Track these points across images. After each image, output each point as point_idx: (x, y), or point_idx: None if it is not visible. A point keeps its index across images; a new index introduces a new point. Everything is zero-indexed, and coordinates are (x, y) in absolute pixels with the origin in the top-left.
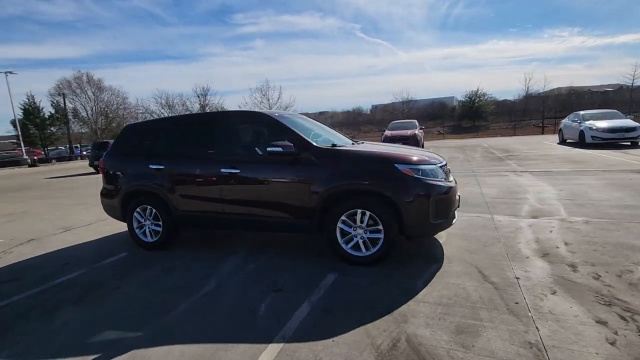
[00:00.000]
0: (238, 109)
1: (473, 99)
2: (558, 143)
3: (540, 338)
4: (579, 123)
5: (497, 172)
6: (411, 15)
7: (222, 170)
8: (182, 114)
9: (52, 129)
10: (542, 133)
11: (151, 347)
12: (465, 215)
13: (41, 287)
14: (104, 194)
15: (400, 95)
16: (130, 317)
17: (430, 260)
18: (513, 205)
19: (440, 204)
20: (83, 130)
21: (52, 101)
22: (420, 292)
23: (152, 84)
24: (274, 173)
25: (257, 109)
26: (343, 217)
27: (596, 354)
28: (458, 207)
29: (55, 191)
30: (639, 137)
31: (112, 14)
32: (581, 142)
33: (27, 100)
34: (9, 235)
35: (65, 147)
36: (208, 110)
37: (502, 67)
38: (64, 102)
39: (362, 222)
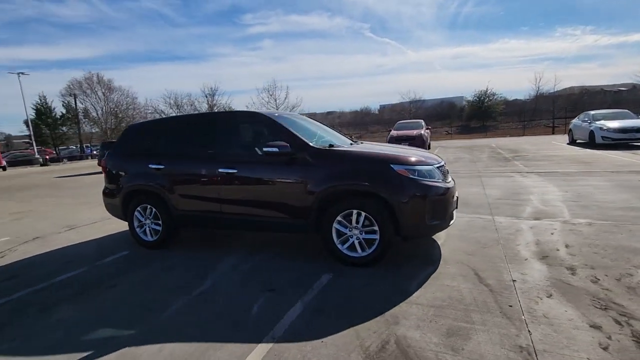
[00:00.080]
0: (245, 108)
1: (482, 98)
2: (568, 143)
3: (532, 342)
4: (589, 123)
5: (502, 173)
6: (420, 14)
7: (220, 170)
8: (186, 114)
9: (63, 128)
10: (553, 133)
11: (143, 345)
12: (466, 217)
13: (42, 285)
14: (106, 193)
15: (407, 95)
16: (125, 315)
17: (426, 261)
18: (516, 206)
19: (437, 205)
20: (93, 130)
21: (63, 101)
22: (414, 294)
23: (161, 84)
24: (270, 173)
25: (264, 109)
26: (339, 218)
27: (587, 358)
28: (456, 208)
29: (63, 190)
30: None
31: (123, 15)
32: (591, 142)
33: (39, 101)
34: (15, 233)
35: (76, 146)
36: (216, 110)
37: (513, 66)
38: (75, 103)
39: (357, 222)
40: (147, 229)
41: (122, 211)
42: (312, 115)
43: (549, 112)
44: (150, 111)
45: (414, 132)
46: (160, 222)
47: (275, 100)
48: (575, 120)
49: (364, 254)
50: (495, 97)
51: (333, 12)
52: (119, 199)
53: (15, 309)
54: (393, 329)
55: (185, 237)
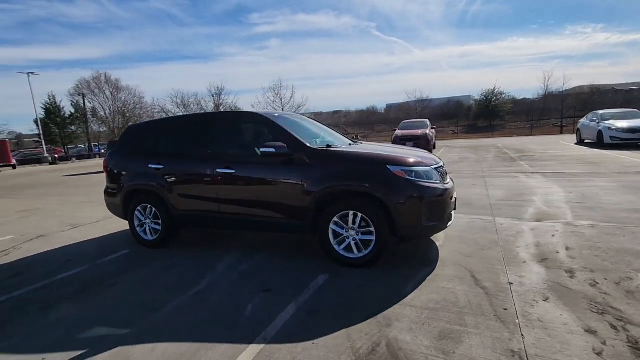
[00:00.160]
0: (251, 108)
1: (490, 97)
2: (575, 143)
3: (524, 346)
4: (598, 123)
5: (507, 173)
6: (428, 12)
7: (218, 170)
8: (186, 114)
9: (72, 127)
10: (561, 133)
11: (136, 345)
12: (466, 218)
13: (43, 283)
14: (107, 192)
15: (413, 94)
16: (122, 314)
17: (423, 263)
18: (518, 207)
19: (434, 207)
20: (102, 129)
21: (72, 101)
22: (409, 296)
23: (169, 83)
24: (268, 174)
25: (270, 108)
26: (335, 219)
27: None
28: (454, 209)
29: (70, 188)
30: None
31: (131, 15)
32: (599, 142)
33: (48, 100)
34: (20, 232)
35: (84, 145)
36: (222, 110)
37: (521, 64)
38: (84, 102)
39: (354, 223)
40: (147, 229)
41: (122, 210)
42: (319, 115)
43: (557, 111)
44: (157, 110)
45: (419, 131)
46: (160, 221)
47: (281, 100)
48: (583, 120)
49: (361, 255)
50: (503, 96)
51: (340, 11)
52: (120, 198)
53: (16, 307)
54: (385, 331)
55: (186, 237)
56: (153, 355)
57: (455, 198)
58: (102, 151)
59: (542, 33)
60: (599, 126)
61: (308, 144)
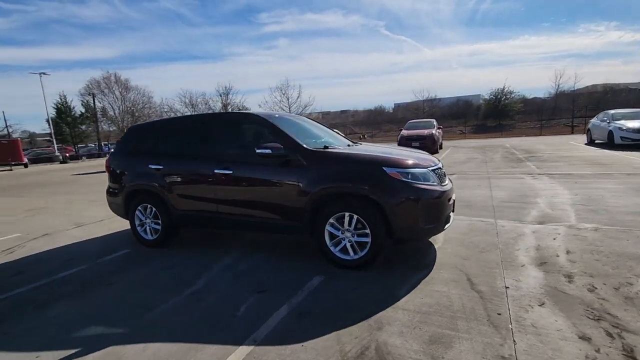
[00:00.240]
0: (258, 107)
1: (499, 97)
2: (585, 144)
3: (515, 352)
4: (608, 123)
5: (513, 174)
6: (437, 11)
7: (216, 170)
8: (186, 114)
9: (82, 127)
10: (572, 133)
11: (128, 344)
12: (467, 220)
13: (43, 281)
14: (109, 192)
15: (421, 93)
16: (117, 313)
17: (419, 265)
18: (521, 209)
19: (431, 209)
20: (111, 129)
21: (82, 100)
22: (402, 299)
23: (177, 83)
24: (264, 174)
25: (277, 108)
26: (331, 220)
27: None
28: (453, 211)
29: (78, 187)
30: None
31: (141, 16)
32: (610, 143)
33: (59, 100)
34: (26, 230)
35: (94, 144)
36: (230, 109)
37: (533, 63)
38: (94, 102)
39: (349, 225)
40: (148, 228)
41: (124, 210)
42: (326, 114)
43: (569, 111)
44: (165, 110)
45: (425, 131)
46: (159, 221)
47: (288, 99)
48: (593, 120)
49: (356, 256)
50: (513, 95)
51: (348, 10)
52: (121, 197)
53: (16, 305)
54: (375, 335)
55: (187, 237)
56: (144, 355)
57: (454, 200)
58: (112, 150)
59: (554, 31)
60: (609, 126)
61: (305, 145)
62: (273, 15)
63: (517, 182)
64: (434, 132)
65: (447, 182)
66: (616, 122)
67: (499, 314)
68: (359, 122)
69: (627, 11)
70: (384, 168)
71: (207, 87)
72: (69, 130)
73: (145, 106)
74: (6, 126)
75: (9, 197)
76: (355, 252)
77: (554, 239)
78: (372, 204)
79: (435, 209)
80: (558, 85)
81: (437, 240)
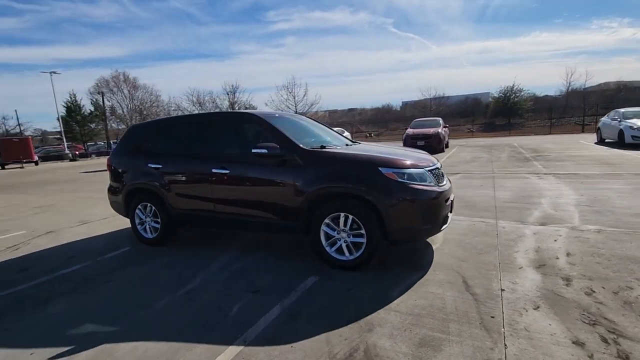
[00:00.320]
0: (265, 106)
1: (508, 95)
2: (595, 143)
3: (505, 356)
4: (619, 121)
5: (518, 174)
6: (446, 7)
7: (213, 170)
8: (185, 114)
9: (91, 125)
10: (583, 131)
11: (121, 343)
12: (467, 220)
13: (44, 278)
14: (111, 190)
15: (428, 91)
16: (113, 311)
17: (416, 266)
18: (524, 210)
19: (427, 210)
20: (120, 127)
21: (91, 99)
22: (395, 301)
23: (185, 81)
24: (261, 174)
25: (283, 106)
26: (327, 220)
27: None
28: (451, 211)
29: (85, 185)
30: None
31: (150, 15)
32: (620, 142)
33: (69, 98)
34: (31, 227)
35: (103, 142)
36: (237, 108)
37: (544, 60)
38: (103, 100)
39: (345, 225)
40: (147, 227)
41: (124, 208)
42: (334, 112)
43: (580, 109)
44: (173, 108)
45: (431, 130)
46: (158, 220)
47: (294, 98)
48: (604, 119)
49: (352, 257)
50: (523, 93)
51: (356, 8)
52: (122, 196)
53: (16, 301)
54: (365, 337)
55: (188, 236)
56: (135, 353)
57: (452, 200)
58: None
59: (567, 27)
60: (620, 125)
61: (301, 145)
62: (281, 14)
63: (522, 182)
64: (439, 130)
65: (445, 182)
66: (627, 120)
67: (492, 317)
68: (365, 121)
69: None
70: (379, 168)
71: (214, 86)
72: (79, 129)
73: (153, 105)
74: (18, 124)
75: (18, 195)
76: (350, 253)
77: (555, 240)
78: (367, 205)
79: (431, 210)
80: (569, 83)
81: (436, 240)
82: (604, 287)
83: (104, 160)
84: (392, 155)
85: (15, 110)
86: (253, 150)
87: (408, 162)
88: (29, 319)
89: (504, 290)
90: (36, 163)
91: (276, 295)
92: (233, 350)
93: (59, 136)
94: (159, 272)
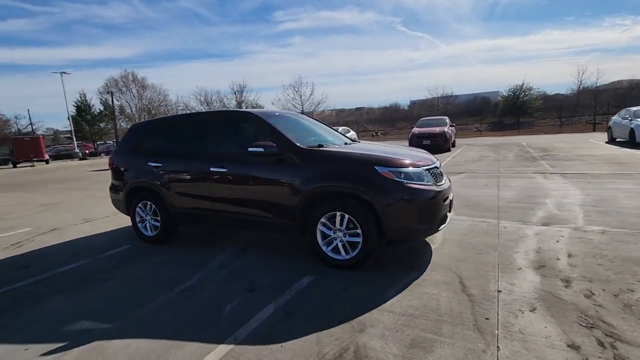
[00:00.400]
0: (271, 105)
1: (517, 93)
2: (606, 142)
3: (497, 359)
4: (630, 120)
5: (524, 173)
6: (456, 5)
7: (211, 169)
8: (184, 113)
9: (101, 124)
10: (594, 130)
11: (114, 340)
12: (469, 220)
13: (45, 275)
14: (112, 188)
15: (435, 90)
16: (109, 308)
17: (413, 266)
18: (527, 210)
19: (424, 209)
20: (129, 126)
21: (101, 99)
22: (389, 301)
23: (195, 81)
24: (258, 173)
25: (289, 106)
26: (323, 219)
27: None
28: (449, 211)
29: (93, 183)
30: None
31: (160, 15)
32: (631, 141)
33: (79, 98)
34: (36, 224)
35: (113, 141)
36: (244, 107)
37: (555, 58)
38: (112, 100)
39: (341, 224)
40: (148, 225)
41: (125, 207)
42: (341, 111)
43: (591, 107)
44: (181, 107)
45: (437, 129)
46: (158, 218)
47: (301, 97)
48: (615, 117)
49: (348, 257)
50: (532, 91)
51: (364, 7)
52: (123, 194)
53: (16, 298)
54: (356, 337)
55: (187, 234)
56: (127, 351)
57: (451, 199)
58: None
59: (578, 25)
60: (631, 124)
61: (298, 144)
62: (289, 13)
63: (527, 181)
64: (446, 129)
65: (443, 181)
66: (638, 119)
67: (487, 318)
68: (373, 120)
69: None
70: (376, 167)
71: (222, 85)
72: (89, 128)
73: (161, 104)
74: (30, 123)
75: (27, 193)
76: (346, 252)
77: (557, 241)
78: (363, 204)
79: (429, 210)
80: (580, 81)
81: (435, 240)
82: (604, 290)
83: None
84: (389, 154)
85: (28, 110)
86: (249, 149)
87: (405, 161)
88: (26, 316)
89: (500, 291)
90: (47, 162)
91: (271, 294)
92: (223, 348)
93: (69, 135)
94: (158, 269)
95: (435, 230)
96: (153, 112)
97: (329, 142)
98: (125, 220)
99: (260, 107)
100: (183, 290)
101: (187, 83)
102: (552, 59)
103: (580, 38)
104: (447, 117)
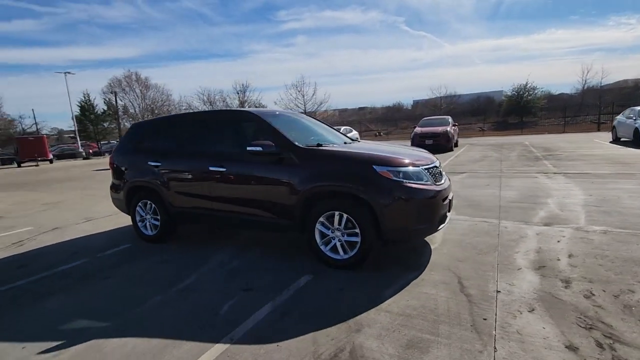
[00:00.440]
0: (274, 105)
1: (521, 93)
2: (610, 142)
3: None
4: (634, 120)
5: (526, 173)
6: (459, 5)
7: (211, 168)
8: (183, 112)
9: (104, 124)
10: (598, 130)
11: (111, 338)
12: (470, 220)
13: (44, 274)
14: (113, 188)
15: (438, 90)
16: (107, 306)
17: (412, 266)
18: (529, 210)
19: (423, 209)
20: None
21: (104, 98)
22: (387, 301)
23: (198, 81)
24: (257, 172)
25: (292, 105)
26: (321, 219)
27: None
28: (449, 210)
29: (95, 182)
30: None
31: (164, 16)
32: (636, 140)
33: (83, 98)
34: (38, 223)
35: (116, 141)
36: (247, 106)
37: (560, 58)
38: (115, 100)
39: (340, 224)
40: (148, 224)
41: (125, 206)
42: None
43: (596, 107)
44: (184, 107)
45: (439, 128)
46: (158, 217)
47: (303, 97)
48: (619, 117)
49: (346, 256)
50: (536, 91)
51: (367, 7)
52: (123, 193)
53: (15, 296)
54: (352, 337)
55: (187, 233)
56: (124, 349)
57: (451, 199)
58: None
59: (583, 24)
60: (635, 123)
61: (296, 143)
62: (292, 13)
63: (529, 181)
64: (448, 129)
65: (443, 181)
66: None
67: (485, 319)
68: (376, 119)
69: None
70: (374, 167)
71: (225, 85)
72: (92, 128)
73: (165, 104)
74: (35, 123)
75: (30, 192)
76: (345, 252)
77: (558, 241)
78: (361, 203)
79: (427, 209)
80: (585, 81)
81: (434, 240)
82: (604, 290)
83: None
84: (388, 153)
85: (32, 110)
86: (248, 148)
87: (404, 161)
88: (24, 315)
89: (499, 291)
90: (51, 161)
91: (269, 293)
92: (219, 348)
93: (73, 135)
94: (157, 269)
95: (434, 230)
96: (156, 111)
97: (329, 141)
98: (126, 220)
99: (263, 106)
100: (181, 289)
101: (190, 83)
102: (556, 58)
103: (585, 37)
104: (449, 117)
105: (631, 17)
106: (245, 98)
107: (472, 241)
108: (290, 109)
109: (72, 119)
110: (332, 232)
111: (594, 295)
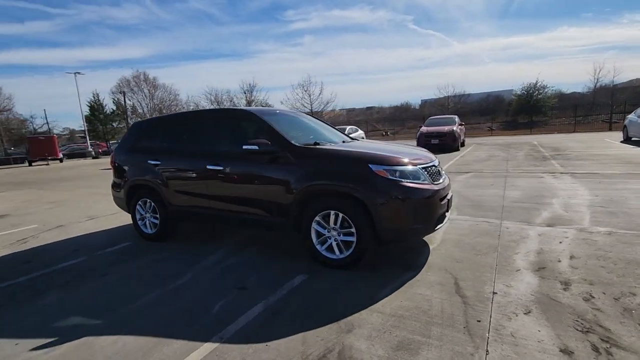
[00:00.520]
0: (280, 104)
1: (531, 92)
2: (621, 141)
3: None
4: None
5: (533, 173)
6: (469, 3)
7: (208, 166)
8: (183, 111)
9: (113, 124)
10: (610, 129)
11: (103, 336)
12: (471, 220)
13: (44, 271)
14: (114, 186)
15: (445, 89)
16: (102, 304)
17: (408, 267)
18: (532, 210)
19: (419, 208)
20: None
21: (113, 98)
22: (380, 301)
23: (205, 81)
24: (253, 171)
25: (298, 105)
26: (317, 218)
27: None
28: (447, 210)
29: (101, 181)
30: None
31: (172, 16)
32: None
33: (92, 98)
34: (42, 221)
35: None
36: (254, 106)
37: (572, 56)
38: (124, 99)
39: (335, 223)
40: (147, 222)
41: (126, 204)
42: (351, 111)
43: (608, 106)
44: (192, 107)
45: (445, 128)
46: (158, 216)
47: (310, 96)
48: (631, 116)
49: (342, 256)
50: (547, 90)
51: (375, 5)
52: (124, 192)
53: (15, 293)
54: (342, 338)
55: (187, 231)
56: (114, 347)
57: (449, 199)
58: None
59: (597, 22)
60: None
61: (293, 142)
62: (299, 12)
63: (535, 181)
64: (454, 128)
65: (441, 180)
66: None
67: (479, 321)
68: (383, 119)
69: None
70: (370, 165)
71: (232, 84)
72: (102, 127)
73: (172, 103)
74: (46, 122)
75: (38, 190)
76: (340, 251)
77: (560, 242)
78: (357, 203)
79: (424, 209)
80: (597, 80)
81: (434, 240)
82: (604, 293)
83: None
84: (385, 152)
85: (44, 110)
86: (244, 147)
87: (400, 159)
88: (21, 311)
89: (496, 293)
90: (61, 160)
91: (262, 292)
92: (208, 347)
93: (82, 134)
94: (154, 266)
95: (432, 230)
96: (164, 111)
97: (328, 140)
98: (128, 218)
99: (270, 106)
100: (176, 287)
101: (197, 83)
102: (568, 57)
103: (598, 35)
104: (456, 116)
105: None
106: (253, 98)
107: (471, 241)
108: (297, 109)
109: (82, 119)
110: (328, 232)
111: (593, 297)
